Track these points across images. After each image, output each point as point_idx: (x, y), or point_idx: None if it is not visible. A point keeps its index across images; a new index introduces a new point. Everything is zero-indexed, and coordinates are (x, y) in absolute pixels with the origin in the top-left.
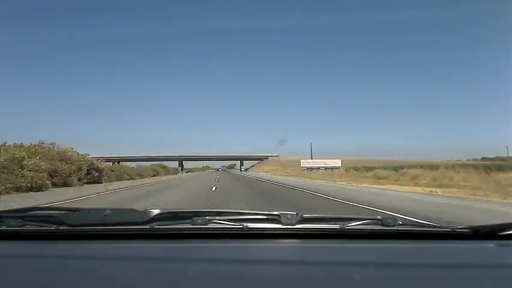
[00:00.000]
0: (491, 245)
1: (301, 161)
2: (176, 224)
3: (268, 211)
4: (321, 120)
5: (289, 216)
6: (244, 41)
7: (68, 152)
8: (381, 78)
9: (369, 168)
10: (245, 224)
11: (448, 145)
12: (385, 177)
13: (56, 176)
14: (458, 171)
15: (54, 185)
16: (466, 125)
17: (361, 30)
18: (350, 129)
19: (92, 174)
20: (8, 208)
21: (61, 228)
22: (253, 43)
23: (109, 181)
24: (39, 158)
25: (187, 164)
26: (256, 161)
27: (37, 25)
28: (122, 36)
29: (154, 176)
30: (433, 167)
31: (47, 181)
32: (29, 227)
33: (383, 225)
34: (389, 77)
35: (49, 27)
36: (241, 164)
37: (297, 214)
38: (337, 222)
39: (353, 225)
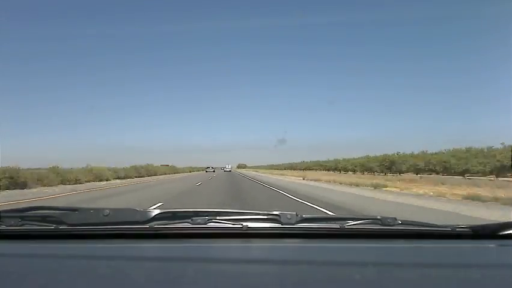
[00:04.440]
0: (491, 244)
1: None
2: (176, 223)
3: (267, 211)
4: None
5: (288, 216)
6: (243, 42)
7: None
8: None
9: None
10: (245, 224)
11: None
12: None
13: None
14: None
15: None
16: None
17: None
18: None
19: None
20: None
21: (60, 227)
22: (253, 44)
23: None
24: None
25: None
26: None
27: None
28: (118, 38)
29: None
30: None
31: None
32: (29, 227)
33: (382, 225)
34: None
35: None
36: None
37: (296, 214)
38: (336, 222)
39: (353, 224)
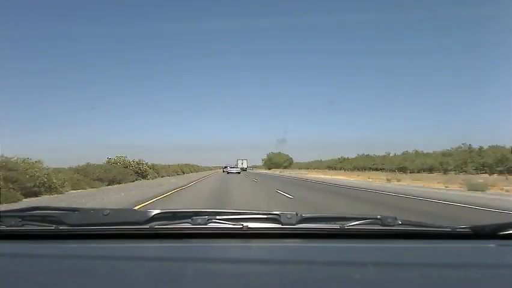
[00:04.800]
0: (491, 244)
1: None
2: (176, 223)
3: (268, 211)
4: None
5: (288, 216)
6: (243, 41)
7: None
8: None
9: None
10: (245, 224)
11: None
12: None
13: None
14: None
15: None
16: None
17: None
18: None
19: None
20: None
21: (61, 228)
22: (253, 44)
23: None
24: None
25: None
26: None
27: None
28: (117, 37)
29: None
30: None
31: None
32: (29, 227)
33: (382, 224)
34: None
35: None
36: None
37: (296, 214)
38: (336, 222)
39: (353, 224)
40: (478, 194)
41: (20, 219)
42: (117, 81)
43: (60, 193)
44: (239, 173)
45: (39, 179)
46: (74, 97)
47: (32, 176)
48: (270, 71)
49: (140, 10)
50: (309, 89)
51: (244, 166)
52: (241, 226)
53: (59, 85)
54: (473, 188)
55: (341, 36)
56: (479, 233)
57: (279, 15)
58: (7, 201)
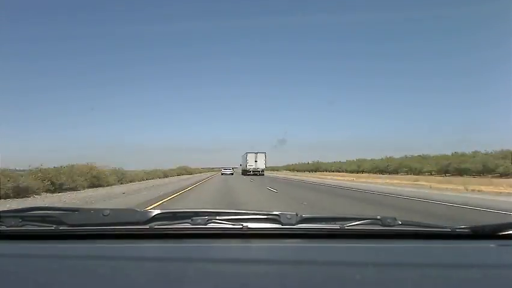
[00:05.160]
0: (491, 245)
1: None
2: (176, 223)
3: (268, 211)
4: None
5: (288, 216)
6: (244, 41)
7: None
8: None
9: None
10: (245, 224)
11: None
12: None
13: None
14: None
15: None
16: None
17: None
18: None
19: None
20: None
21: (61, 228)
22: (253, 44)
23: None
24: None
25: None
26: None
27: None
28: (116, 36)
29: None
30: None
31: None
32: (29, 227)
33: (382, 225)
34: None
35: None
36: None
37: (296, 214)
38: (336, 222)
39: (353, 225)
40: None
41: (20, 220)
42: (117, 82)
43: None
44: (232, 174)
45: None
46: (74, 98)
47: None
48: (270, 71)
49: (142, 11)
50: (309, 89)
51: (260, 166)
52: (241, 226)
53: (59, 86)
54: None
55: (341, 38)
56: (479, 233)
57: (279, 16)
58: None
